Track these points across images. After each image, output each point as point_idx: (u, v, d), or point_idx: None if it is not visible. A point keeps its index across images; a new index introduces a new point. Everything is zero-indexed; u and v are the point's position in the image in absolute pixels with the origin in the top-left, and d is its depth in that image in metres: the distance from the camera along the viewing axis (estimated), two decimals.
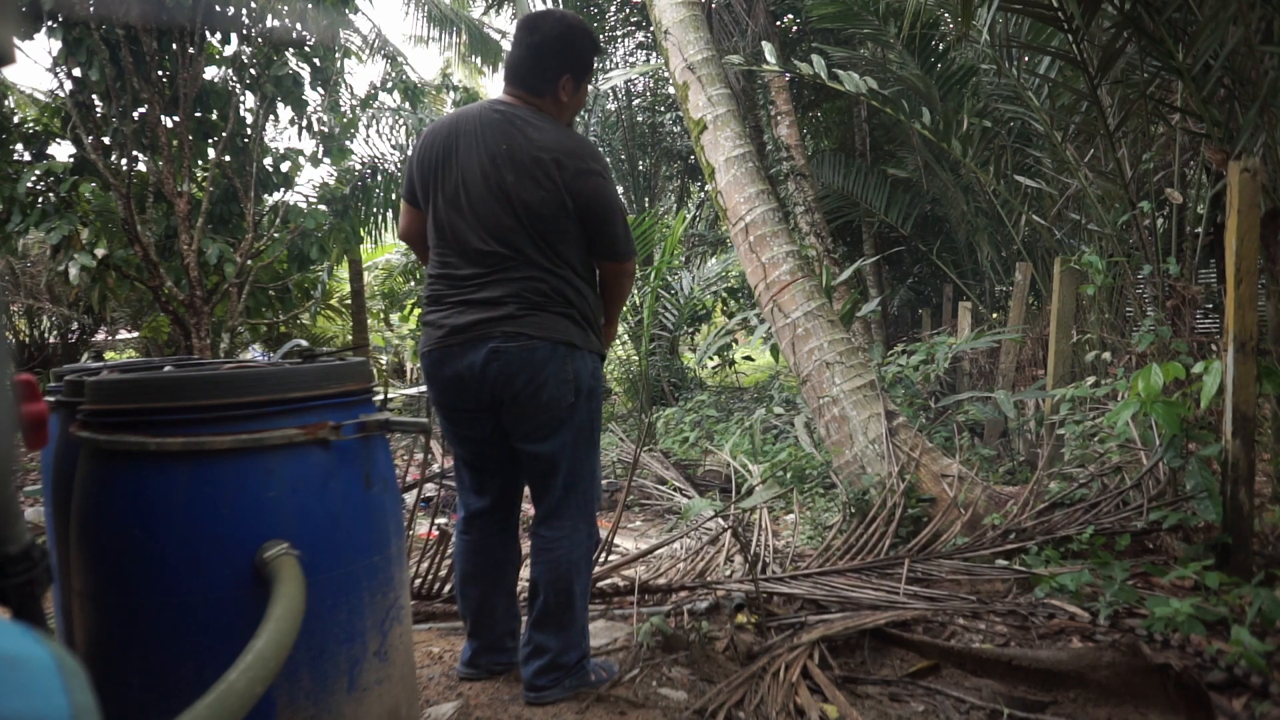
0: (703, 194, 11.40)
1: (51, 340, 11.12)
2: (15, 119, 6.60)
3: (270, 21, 6.33)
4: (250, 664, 0.95)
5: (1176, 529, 2.79)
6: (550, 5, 10.52)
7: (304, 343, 1.61)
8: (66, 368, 1.85)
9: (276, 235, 6.74)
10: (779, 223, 4.05)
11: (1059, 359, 4.19)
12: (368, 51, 9.11)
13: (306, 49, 6.60)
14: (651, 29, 5.74)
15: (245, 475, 1.27)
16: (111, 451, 1.28)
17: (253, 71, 6.51)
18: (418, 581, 2.73)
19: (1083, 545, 2.80)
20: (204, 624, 1.23)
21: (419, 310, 11.34)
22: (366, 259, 12.46)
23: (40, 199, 5.89)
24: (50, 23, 5.56)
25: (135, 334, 11.80)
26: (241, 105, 6.53)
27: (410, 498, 3.77)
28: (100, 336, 11.86)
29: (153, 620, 1.23)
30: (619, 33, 10.92)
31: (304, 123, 6.87)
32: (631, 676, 2.14)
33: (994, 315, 7.23)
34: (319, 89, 6.89)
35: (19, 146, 6.37)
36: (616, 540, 3.48)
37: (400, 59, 8.93)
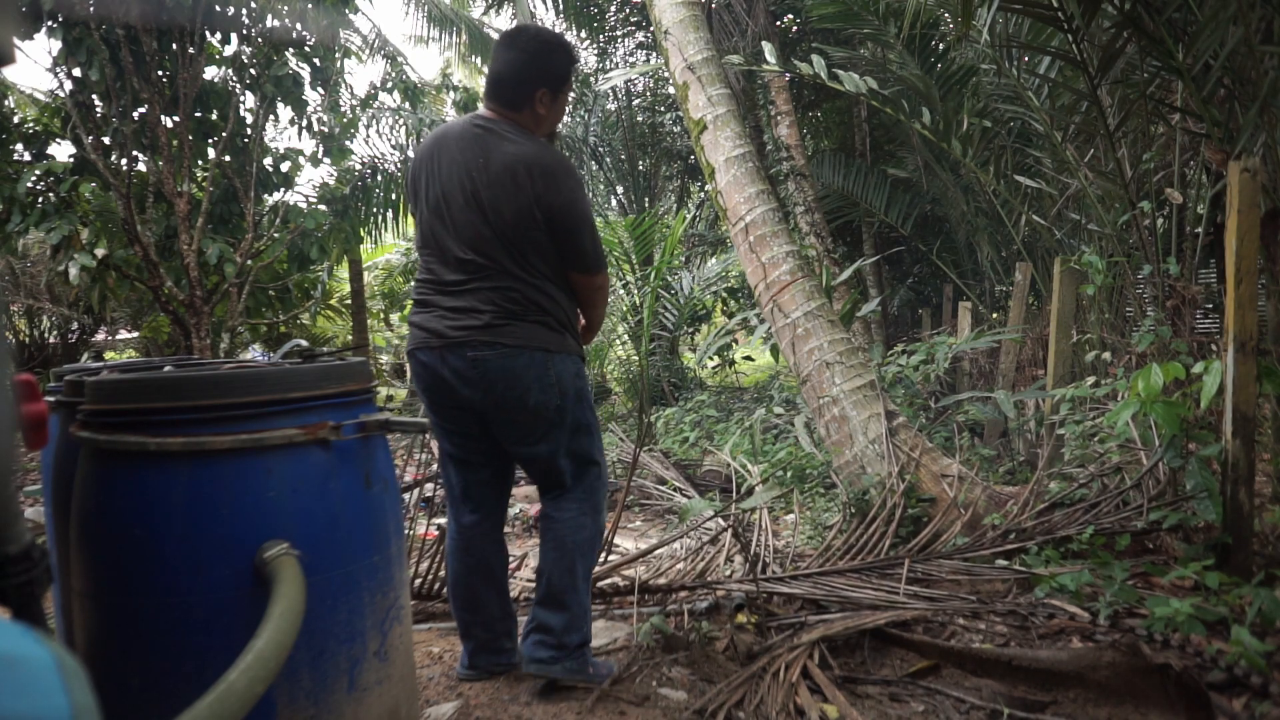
0: (703, 194, 11.40)
1: (51, 340, 11.12)
2: (15, 119, 6.60)
3: (270, 21, 6.33)
4: (250, 664, 0.95)
5: (1176, 529, 2.79)
6: (549, 6, 10.53)
7: (304, 343, 1.61)
8: (66, 368, 1.85)
9: (276, 235, 6.74)
10: (779, 223, 4.05)
11: (1059, 359, 4.19)
12: (368, 51, 9.11)
13: (306, 49, 6.60)
14: (651, 29, 5.74)
15: (245, 475, 1.27)
16: (111, 451, 1.28)
17: (253, 71, 6.51)
18: (418, 581, 2.73)
19: (1083, 545, 2.80)
20: (204, 624, 1.23)
21: None
22: (366, 259, 12.47)
23: (40, 199, 5.89)
24: (50, 23, 5.56)
25: (135, 334, 11.80)
26: (241, 105, 6.53)
27: (410, 498, 3.77)
28: (100, 336, 11.86)
29: (153, 620, 1.23)
30: (619, 33, 10.91)
31: (304, 123, 6.87)
32: (631, 676, 2.14)
33: (994, 315, 7.23)
34: (319, 89, 6.89)
35: (19, 146, 6.37)
36: (616, 540, 3.48)
37: (400, 59, 8.93)
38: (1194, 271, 3.77)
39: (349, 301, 11.64)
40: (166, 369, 1.57)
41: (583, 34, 10.91)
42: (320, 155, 7.11)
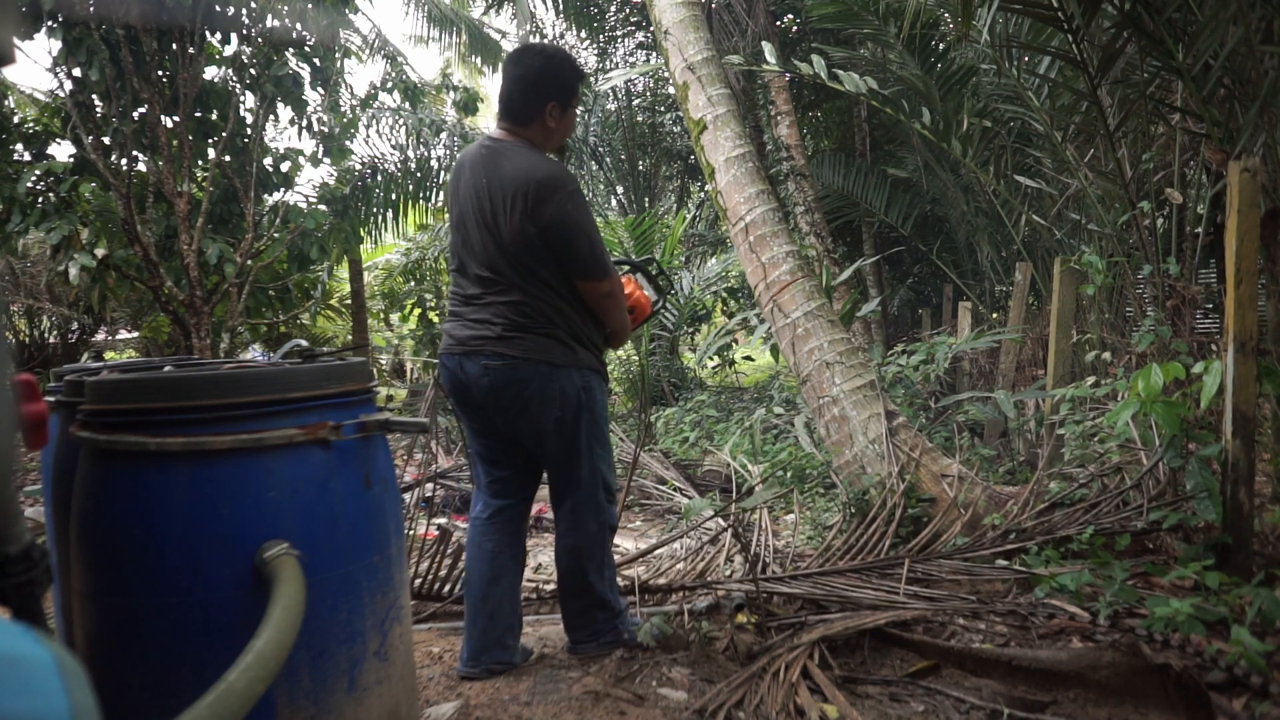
0: (703, 194, 11.39)
1: (51, 340, 11.11)
2: (15, 119, 6.60)
3: (270, 21, 6.33)
4: (250, 664, 0.95)
5: (1176, 529, 2.79)
6: (549, 6, 10.52)
7: (304, 343, 1.61)
8: (66, 368, 1.85)
9: (276, 235, 6.74)
10: (779, 223, 4.05)
11: (1059, 359, 4.19)
12: (368, 51, 9.11)
13: (306, 49, 6.60)
14: (651, 29, 5.74)
15: (245, 475, 1.27)
16: (111, 451, 1.28)
17: (253, 71, 6.51)
18: (418, 581, 2.73)
19: (1083, 545, 2.80)
20: (204, 624, 1.23)
21: (419, 310, 11.35)
22: (366, 259, 12.45)
23: (40, 199, 5.88)
24: (50, 23, 5.56)
25: (135, 334, 11.80)
26: (241, 105, 6.53)
27: (410, 498, 3.77)
28: (100, 336, 11.85)
29: (153, 620, 1.23)
30: (619, 33, 10.91)
31: (304, 123, 6.87)
32: (631, 676, 2.14)
33: (994, 315, 7.23)
34: (319, 89, 6.89)
35: (19, 146, 6.37)
36: (616, 540, 3.48)
37: (400, 59, 8.92)
38: (1194, 271, 3.77)
39: (349, 301, 11.63)
40: (166, 369, 1.57)
41: (583, 34, 10.92)
42: (320, 155, 7.11)
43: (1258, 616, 2.16)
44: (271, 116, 6.77)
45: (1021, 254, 5.88)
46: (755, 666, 2.14)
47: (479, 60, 12.32)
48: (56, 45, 5.66)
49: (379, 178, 9.38)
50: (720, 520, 3.45)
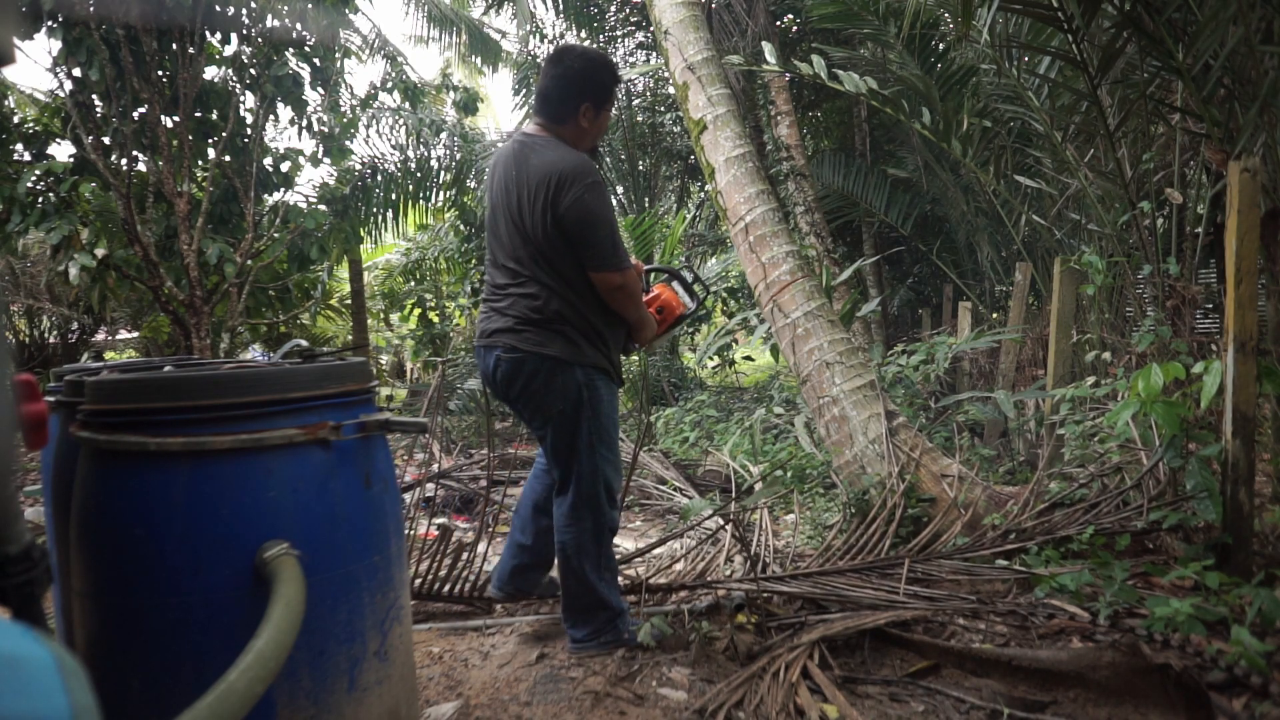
0: (703, 194, 11.39)
1: (51, 340, 11.11)
2: (15, 119, 6.60)
3: (270, 21, 6.33)
4: (250, 664, 0.95)
5: (1176, 529, 2.79)
6: (549, 6, 10.52)
7: (304, 343, 1.61)
8: (66, 368, 1.85)
9: (276, 235, 6.74)
10: (779, 223, 4.05)
11: (1059, 359, 4.19)
12: (368, 51, 9.11)
13: (306, 49, 6.60)
14: (651, 29, 5.74)
15: (245, 475, 1.27)
16: (111, 451, 1.28)
17: (253, 71, 6.51)
18: (418, 581, 2.73)
19: (1083, 545, 2.80)
20: (204, 624, 1.23)
21: (419, 310, 11.34)
22: (366, 259, 12.46)
23: (40, 199, 5.88)
24: (50, 23, 5.56)
25: (135, 334, 11.80)
26: (241, 105, 6.53)
27: (410, 498, 3.77)
28: (100, 336, 11.85)
29: (153, 620, 1.23)
30: (619, 33, 10.91)
31: (304, 123, 6.87)
32: (631, 676, 2.14)
33: (994, 315, 7.23)
34: (319, 89, 6.89)
35: (19, 146, 6.37)
36: (616, 540, 3.47)
37: (400, 59, 8.92)
38: (1194, 271, 3.77)
39: (349, 301, 11.64)
40: (166, 369, 1.57)
41: (583, 34, 10.91)
42: (320, 155, 7.11)
43: (1258, 616, 2.16)
44: (271, 116, 6.77)
45: (1021, 254, 5.88)
46: (755, 666, 2.14)
47: (479, 60, 12.31)
48: (56, 45, 5.67)
49: (379, 178, 9.37)
50: (720, 520, 3.45)
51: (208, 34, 6.13)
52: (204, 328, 6.29)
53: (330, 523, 1.33)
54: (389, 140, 9.60)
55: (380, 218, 9.58)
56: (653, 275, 2.65)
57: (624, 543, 3.86)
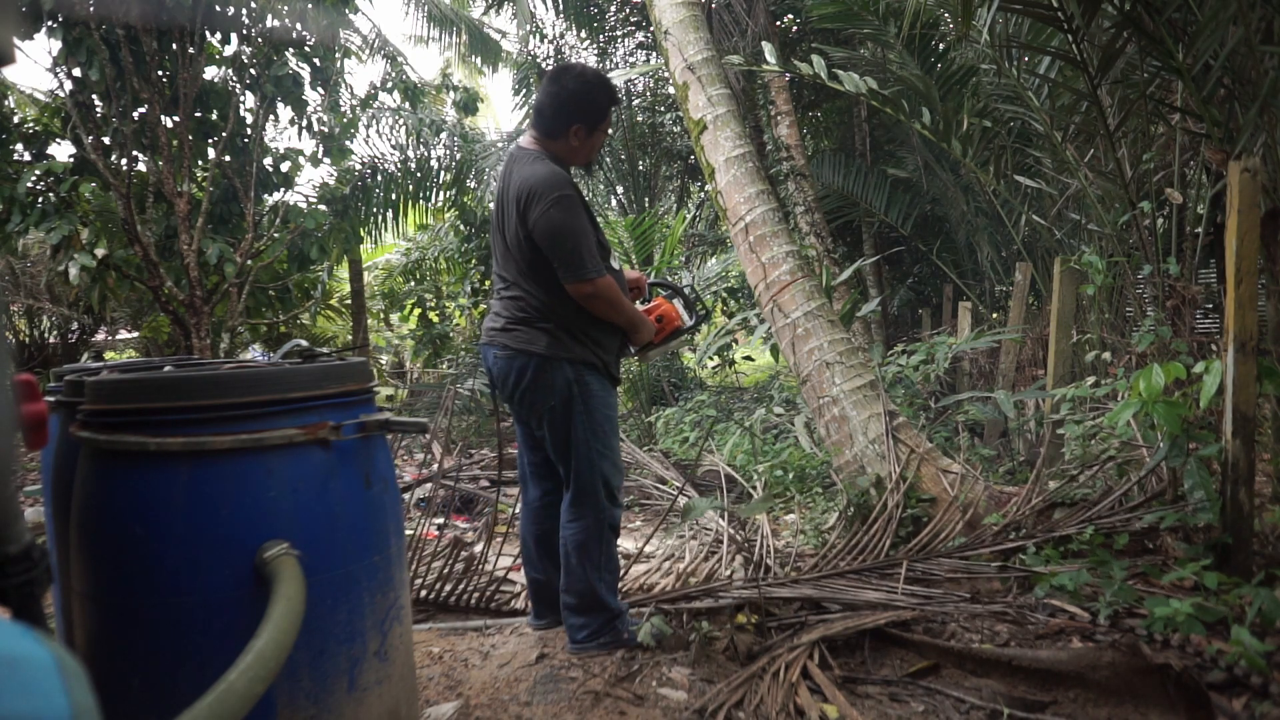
0: (703, 194, 11.39)
1: (51, 340, 11.10)
2: (15, 119, 6.60)
3: (270, 21, 6.33)
4: (250, 664, 0.95)
5: (1176, 529, 2.79)
6: (549, 6, 10.52)
7: (304, 343, 1.61)
8: (66, 368, 1.85)
9: (276, 235, 6.74)
10: (779, 223, 4.05)
11: (1059, 359, 4.18)
12: (368, 51, 9.11)
13: (306, 49, 6.60)
14: (651, 29, 5.74)
15: (245, 475, 1.27)
16: (111, 451, 1.28)
17: (253, 71, 6.51)
18: (419, 582, 2.73)
19: (1082, 545, 2.80)
20: (204, 624, 1.23)
21: (419, 310, 11.36)
22: (366, 259, 12.45)
23: (40, 199, 5.89)
24: (50, 23, 5.56)
25: (135, 334, 11.79)
26: (241, 105, 6.53)
27: (410, 498, 3.77)
28: (100, 336, 11.85)
29: (153, 620, 1.23)
30: (619, 33, 10.91)
31: (304, 123, 6.87)
32: (631, 676, 2.14)
33: (994, 315, 7.23)
34: (319, 89, 6.89)
35: (19, 146, 6.37)
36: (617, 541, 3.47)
37: (400, 59, 8.92)
38: (1194, 271, 3.77)
39: (349, 301, 11.64)
40: (166, 369, 1.57)
41: (583, 34, 10.91)
42: (320, 155, 7.11)
43: (1258, 616, 2.16)
44: (271, 116, 6.77)
45: (1021, 254, 5.87)
46: (755, 666, 2.14)
47: (479, 60, 12.30)
48: (56, 45, 5.67)
49: (379, 178, 9.37)
50: (720, 520, 3.45)
51: (208, 34, 6.13)
52: (204, 328, 6.29)
53: (330, 523, 1.33)
54: (389, 140, 9.60)
55: (380, 218, 9.58)
56: (654, 290, 2.68)
57: (624, 543, 3.85)
